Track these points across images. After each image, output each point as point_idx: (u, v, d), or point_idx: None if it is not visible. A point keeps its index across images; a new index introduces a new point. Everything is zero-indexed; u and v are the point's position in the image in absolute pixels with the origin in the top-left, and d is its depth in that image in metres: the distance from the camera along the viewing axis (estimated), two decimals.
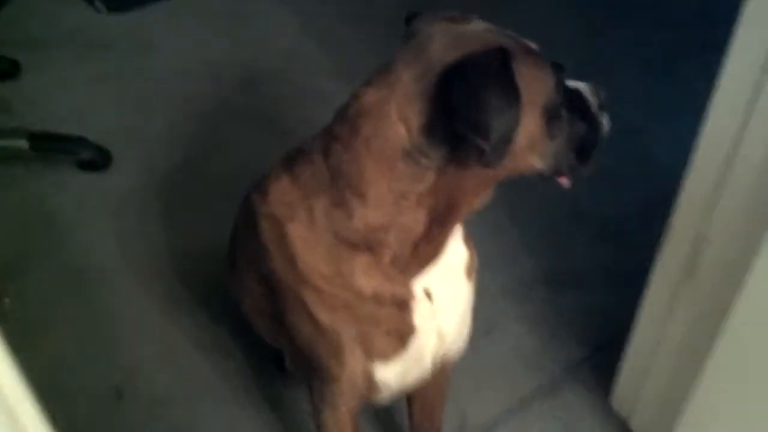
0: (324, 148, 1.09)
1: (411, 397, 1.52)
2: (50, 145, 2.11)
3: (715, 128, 1.23)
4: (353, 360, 1.19)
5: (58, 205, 2.05)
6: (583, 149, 1.14)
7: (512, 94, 0.99)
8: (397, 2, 2.70)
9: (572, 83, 1.15)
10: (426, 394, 1.50)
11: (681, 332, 1.45)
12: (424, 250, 1.12)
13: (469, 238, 1.26)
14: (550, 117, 1.06)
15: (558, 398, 1.76)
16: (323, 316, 1.15)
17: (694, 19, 2.81)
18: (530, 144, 1.06)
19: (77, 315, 1.83)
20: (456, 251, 1.21)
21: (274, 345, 1.44)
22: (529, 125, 1.04)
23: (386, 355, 1.19)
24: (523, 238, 2.07)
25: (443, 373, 1.45)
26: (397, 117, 1.02)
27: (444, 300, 1.20)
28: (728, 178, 1.23)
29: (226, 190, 1.92)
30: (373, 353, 1.18)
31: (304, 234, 1.11)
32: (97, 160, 2.12)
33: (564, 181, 1.17)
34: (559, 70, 1.08)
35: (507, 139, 1.00)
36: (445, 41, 1.04)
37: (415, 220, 1.08)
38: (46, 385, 1.64)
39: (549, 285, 1.98)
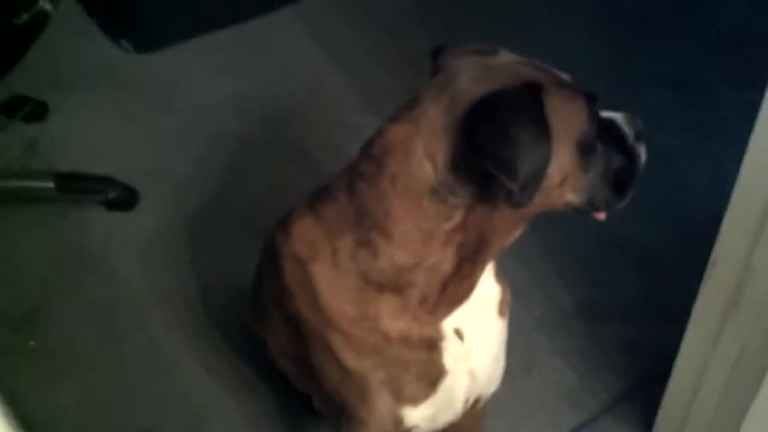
0: (348, 185, 1.06)
1: None
2: (77, 186, 2.09)
3: (761, 152, 1.17)
4: (381, 404, 1.15)
5: (85, 244, 2.03)
6: (619, 182, 1.09)
7: (543, 131, 0.95)
8: (423, 31, 2.71)
9: (607, 114, 1.10)
10: None
11: (726, 368, 1.40)
12: (454, 289, 1.08)
13: (501, 273, 1.21)
14: (585, 151, 1.02)
15: None
16: (350, 360, 1.12)
17: (729, 40, 2.76)
18: (563, 180, 1.02)
19: (104, 354, 1.81)
20: (487, 288, 1.17)
21: (301, 388, 1.40)
22: (563, 160, 1.00)
23: (416, 399, 1.15)
24: (557, 268, 2.02)
25: (477, 413, 1.40)
26: (424, 153, 0.99)
27: (476, 339, 1.16)
28: None
29: (253, 226, 1.90)
30: (402, 398, 1.14)
31: (329, 275, 1.08)
32: (125, 199, 2.10)
33: (599, 215, 1.13)
34: (592, 101, 1.04)
35: (537, 179, 0.96)
36: (473, 74, 1.01)
37: (444, 259, 1.04)
38: (74, 425, 1.66)
39: (587, 317, 1.92)
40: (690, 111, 2.49)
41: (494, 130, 0.94)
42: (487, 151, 0.94)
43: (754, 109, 1.17)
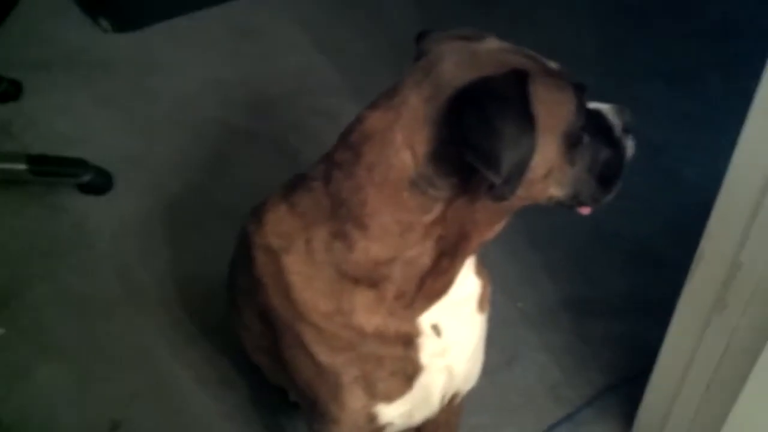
0: (325, 175, 1.02)
1: (420, 431, 1.43)
2: (49, 168, 2.04)
3: (751, 145, 1.15)
4: (354, 401, 1.11)
5: (57, 229, 1.99)
6: (605, 176, 1.04)
7: (527, 122, 0.91)
8: (412, 18, 2.66)
9: (594, 105, 1.06)
10: (436, 429, 1.42)
11: (710, 365, 1.38)
12: (432, 284, 1.04)
13: (482, 267, 1.17)
14: (571, 143, 0.98)
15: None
16: (323, 355, 1.08)
17: (720, 31, 2.74)
18: (548, 172, 0.98)
19: (75, 344, 1.76)
20: (467, 282, 1.13)
21: (275, 383, 1.37)
22: (548, 152, 0.96)
23: (391, 396, 1.12)
24: (543, 261, 1.99)
25: (454, 409, 1.37)
26: (403, 143, 0.95)
27: (454, 335, 1.13)
28: (765, 200, 1.14)
29: (231, 215, 1.84)
30: (376, 394, 1.11)
31: (302, 267, 1.04)
32: (99, 183, 2.05)
33: (584, 210, 1.08)
34: (580, 92, 1.00)
35: (521, 171, 0.92)
36: (457, 61, 0.97)
37: (422, 253, 1.00)
38: (43, 415, 1.61)
39: (572, 311, 1.90)
40: (680, 102, 2.47)
41: (477, 120, 0.90)
42: (470, 142, 0.90)
43: (745, 100, 1.14)
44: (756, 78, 1.12)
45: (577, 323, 1.87)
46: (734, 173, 1.20)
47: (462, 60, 0.97)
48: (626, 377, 1.75)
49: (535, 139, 0.92)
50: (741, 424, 1.31)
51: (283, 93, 2.40)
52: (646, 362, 1.59)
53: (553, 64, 1.02)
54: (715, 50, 2.66)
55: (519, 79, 0.93)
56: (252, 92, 2.39)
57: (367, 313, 1.03)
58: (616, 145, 1.06)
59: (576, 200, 1.04)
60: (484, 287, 1.17)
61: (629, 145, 1.08)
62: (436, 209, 0.96)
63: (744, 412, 1.29)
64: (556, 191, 1.02)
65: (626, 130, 1.07)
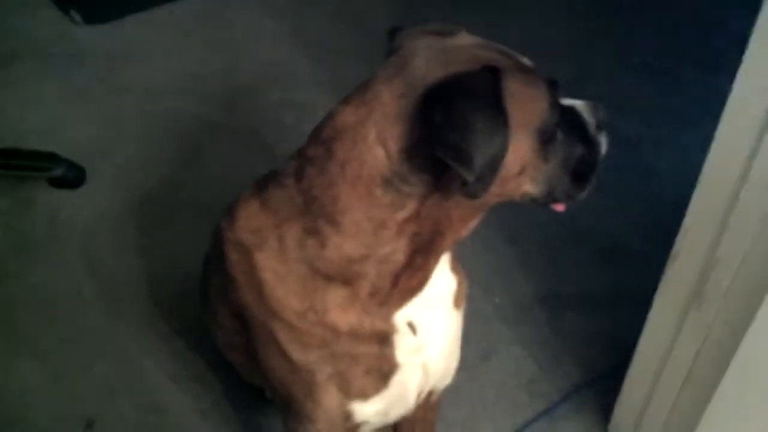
0: (297, 170, 1.00)
1: (397, 428, 1.43)
2: (20, 162, 2.02)
3: (728, 141, 1.14)
4: (329, 400, 1.10)
5: (28, 224, 1.96)
6: (579, 172, 1.04)
7: (500, 119, 0.90)
8: (387, 9, 2.65)
9: (568, 101, 1.05)
10: (413, 426, 1.41)
11: (686, 360, 1.37)
12: (407, 281, 1.02)
13: (457, 263, 1.16)
14: (545, 139, 0.97)
15: (558, 426, 1.68)
16: (296, 353, 1.06)
17: (694, 25, 2.75)
18: (522, 169, 0.97)
19: (47, 340, 1.74)
20: (442, 279, 1.11)
21: (249, 381, 1.35)
22: (521, 149, 0.95)
23: (366, 394, 1.11)
24: (518, 256, 1.98)
25: (431, 405, 1.37)
26: (375, 139, 0.93)
27: (430, 332, 1.11)
28: (742, 196, 1.14)
29: (205, 209, 1.82)
30: (351, 393, 1.10)
31: (274, 264, 1.02)
32: (70, 177, 2.02)
33: (558, 207, 1.08)
34: (554, 88, 0.99)
35: (494, 168, 0.91)
36: (429, 56, 0.95)
37: (396, 250, 0.99)
38: (15, 413, 1.59)
39: (547, 306, 1.89)
40: (655, 97, 2.48)
41: (449, 117, 0.88)
42: (441, 140, 0.88)
43: (719, 95, 1.13)
44: (729, 73, 1.12)
45: (552, 318, 1.87)
46: (710, 170, 1.19)
47: (434, 56, 0.96)
48: (602, 372, 1.75)
49: (508, 136, 0.91)
50: (718, 419, 1.31)
51: (256, 85, 2.38)
52: (621, 356, 1.59)
53: (525, 61, 1.01)
54: (689, 45, 2.67)
55: (491, 76, 0.92)
56: (225, 85, 2.37)
57: (341, 312, 1.02)
58: (590, 142, 1.05)
59: (550, 197, 1.04)
60: (460, 284, 1.16)
61: (603, 142, 1.07)
62: (410, 206, 0.95)
63: (720, 407, 1.28)
64: (531, 188, 1.01)
65: (600, 126, 1.07)
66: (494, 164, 0.90)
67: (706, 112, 1.17)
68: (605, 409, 1.67)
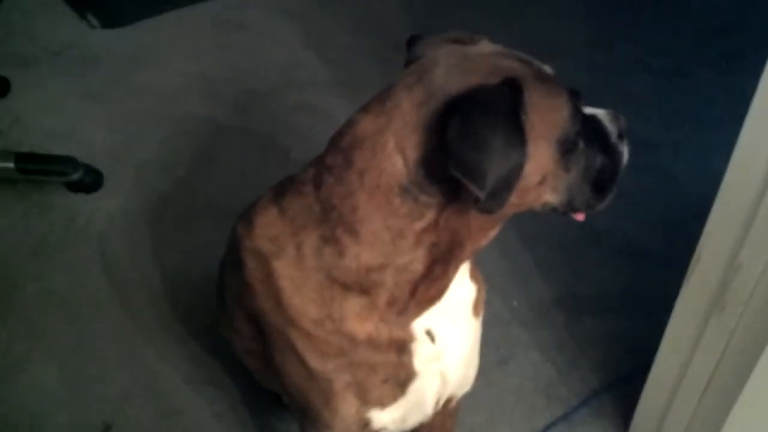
0: (315, 179, 1.00)
1: None
2: (38, 167, 2.02)
3: (751, 145, 1.12)
4: (346, 408, 1.09)
5: (45, 228, 1.96)
6: (600, 182, 1.03)
7: (517, 138, 0.89)
8: (401, 12, 2.64)
9: (589, 110, 1.04)
10: None
11: (708, 367, 1.36)
12: (425, 291, 1.02)
13: (477, 270, 1.15)
14: (566, 149, 0.96)
15: (575, 431, 1.67)
16: (314, 361, 1.06)
17: (710, 27, 2.73)
18: (543, 179, 0.96)
19: (65, 344, 1.74)
20: (462, 287, 1.11)
21: (265, 386, 1.34)
22: (542, 160, 0.94)
23: (384, 402, 1.10)
24: (535, 259, 1.97)
25: (449, 411, 1.36)
26: (395, 148, 0.92)
27: (448, 340, 1.10)
28: (765, 200, 1.13)
29: (220, 212, 1.82)
30: (369, 400, 1.09)
31: (292, 273, 1.02)
32: (88, 181, 2.02)
33: (578, 217, 1.07)
34: (575, 97, 0.98)
35: (508, 186, 0.89)
36: (450, 65, 0.95)
37: (414, 260, 0.98)
38: (30, 417, 1.59)
39: (565, 310, 1.88)
40: (671, 98, 2.46)
41: (463, 132, 0.87)
42: (454, 155, 0.87)
43: (736, 97, 1.12)
44: (747, 74, 1.11)
45: (570, 321, 1.85)
46: (733, 173, 1.18)
47: (455, 64, 0.95)
48: (620, 376, 1.74)
49: (525, 154, 0.89)
50: (740, 427, 1.29)
51: (270, 88, 2.38)
52: (640, 361, 1.58)
53: (547, 69, 1.00)
54: (705, 46, 2.65)
55: (511, 91, 0.90)
56: (239, 87, 2.37)
57: (359, 321, 1.01)
58: (611, 152, 1.04)
59: (570, 207, 1.02)
60: (479, 291, 1.15)
61: (624, 152, 1.06)
62: (428, 216, 0.94)
63: (743, 415, 1.27)
64: (551, 198, 1.00)
65: (621, 136, 1.05)
66: (509, 182, 0.89)
67: (724, 113, 1.16)
68: (624, 414, 1.66)
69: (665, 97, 2.45)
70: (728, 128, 1.18)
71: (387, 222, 0.94)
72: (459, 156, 0.87)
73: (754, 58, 1.10)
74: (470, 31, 1.03)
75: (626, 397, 1.65)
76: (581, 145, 0.99)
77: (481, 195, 0.87)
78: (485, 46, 1.00)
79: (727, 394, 1.28)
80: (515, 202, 0.94)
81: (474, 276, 1.14)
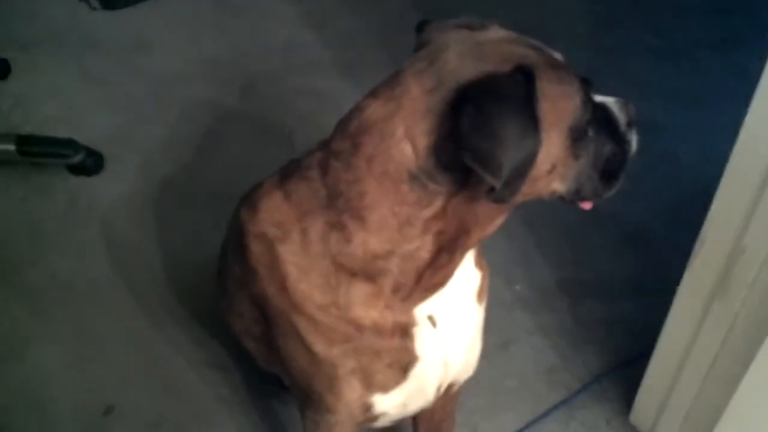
0: (322, 163, 0.99)
1: (416, 419, 1.43)
2: (38, 149, 2.01)
3: (756, 128, 1.12)
4: (350, 393, 1.09)
5: (46, 211, 1.96)
6: (608, 170, 1.02)
7: (531, 126, 0.88)
8: None
9: (599, 98, 1.03)
10: (432, 418, 1.41)
11: (711, 351, 1.36)
12: (430, 278, 1.01)
13: (482, 258, 1.15)
14: (576, 137, 0.95)
15: (577, 415, 1.67)
16: (318, 347, 1.05)
17: (712, 8, 2.71)
18: (552, 167, 0.95)
19: (65, 327, 1.74)
20: (467, 274, 1.10)
21: (267, 369, 1.34)
22: (553, 148, 0.93)
23: (386, 387, 1.10)
24: (538, 242, 1.97)
25: (451, 397, 1.36)
26: (404, 135, 0.91)
27: (450, 327, 1.10)
28: None
29: (222, 195, 1.81)
30: (372, 386, 1.09)
31: (297, 258, 1.01)
32: (89, 164, 2.02)
33: (585, 205, 1.06)
34: (586, 85, 0.97)
35: (522, 174, 0.89)
36: (461, 51, 0.93)
37: (421, 247, 0.97)
38: (32, 401, 1.59)
39: (568, 294, 1.88)
40: (674, 80, 2.44)
41: (478, 122, 0.86)
42: (469, 146, 0.86)
43: (739, 78, 1.11)
44: (749, 55, 1.10)
45: (572, 305, 1.85)
46: (738, 157, 1.17)
47: (466, 50, 0.93)
48: (622, 361, 1.74)
49: (538, 141, 0.89)
50: (742, 411, 1.29)
51: (271, 70, 2.36)
52: (642, 345, 1.58)
53: (557, 56, 0.98)
54: (708, 28, 2.63)
55: (524, 78, 0.89)
56: (241, 70, 2.36)
57: (365, 308, 1.01)
58: (620, 140, 1.03)
59: (578, 195, 1.02)
60: (483, 278, 1.15)
61: (633, 140, 1.05)
62: (436, 204, 0.94)
63: (745, 399, 1.27)
64: (559, 186, 0.99)
65: (630, 124, 1.04)
66: (523, 170, 0.88)
67: (726, 95, 1.15)
68: (626, 398, 1.66)
69: (667, 78, 2.44)
70: (731, 110, 1.17)
71: (394, 209, 0.94)
72: (474, 146, 0.86)
73: (757, 38, 1.09)
74: (480, 17, 1.02)
75: (628, 381, 1.66)
76: (591, 133, 0.98)
77: (497, 185, 0.87)
78: (496, 32, 0.98)
79: (729, 378, 1.28)
80: (525, 190, 0.93)
81: (479, 263, 1.14)
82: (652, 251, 1.94)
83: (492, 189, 0.89)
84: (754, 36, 1.09)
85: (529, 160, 0.89)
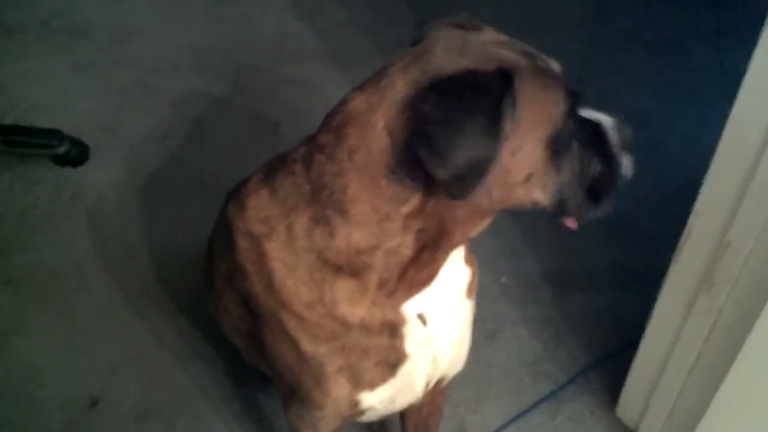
0: (306, 157, 0.98)
1: (404, 414, 1.42)
2: (22, 139, 2.00)
3: (741, 123, 1.11)
4: (337, 390, 1.09)
5: (31, 201, 1.94)
6: (595, 190, 1.01)
7: (493, 127, 0.87)
8: None
9: (593, 114, 1.02)
10: (420, 412, 1.41)
11: (696, 343, 1.37)
12: (415, 275, 1.01)
13: (471, 254, 1.14)
14: (558, 148, 0.94)
15: (563, 408, 1.68)
16: (306, 344, 1.05)
17: (703, 0, 2.70)
18: (529, 176, 0.94)
19: (50, 318, 1.73)
20: (455, 271, 1.10)
21: (253, 365, 1.33)
22: (528, 155, 0.92)
23: (374, 384, 1.09)
24: (525, 234, 1.97)
25: (439, 392, 1.36)
26: (383, 127, 0.91)
27: (440, 324, 1.10)
28: (756, 177, 1.12)
29: (209, 186, 1.81)
30: (360, 383, 1.09)
31: (283, 254, 1.00)
32: (74, 154, 2.00)
33: (570, 223, 1.05)
34: (575, 97, 0.96)
35: (476, 173, 0.87)
36: (448, 48, 0.93)
37: (402, 244, 0.97)
38: (17, 391, 1.58)
39: (554, 285, 1.88)
40: (663, 72, 2.45)
41: (436, 107, 0.86)
42: (422, 131, 0.86)
43: (728, 71, 1.11)
44: (739, 48, 1.09)
45: (558, 297, 1.85)
46: (724, 151, 1.17)
47: (452, 48, 0.93)
48: (607, 352, 1.74)
49: (498, 145, 0.87)
50: (727, 404, 1.29)
51: (260, 60, 2.35)
52: (627, 337, 1.58)
53: (554, 65, 0.97)
54: (699, 20, 2.63)
55: (502, 81, 0.88)
56: (229, 59, 2.34)
57: (351, 304, 1.00)
58: (610, 159, 1.01)
59: (561, 209, 1.01)
60: (473, 275, 1.15)
61: (626, 164, 1.03)
62: (413, 201, 0.93)
63: (730, 392, 1.27)
64: (540, 197, 0.98)
65: (625, 147, 1.02)
66: (477, 169, 0.87)
67: (716, 87, 1.15)
68: (611, 390, 1.66)
69: (657, 70, 2.44)
70: (720, 102, 1.17)
71: (374, 204, 0.93)
72: (425, 132, 0.85)
73: (747, 32, 1.08)
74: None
75: (614, 373, 1.66)
76: (576, 147, 0.97)
77: (441, 174, 0.86)
78: (489, 35, 0.98)
79: (715, 370, 1.29)
80: (503, 197, 0.93)
81: (469, 259, 1.13)
82: (638, 243, 1.94)
83: (445, 184, 0.87)
84: (744, 29, 1.08)
85: (484, 161, 0.87)
